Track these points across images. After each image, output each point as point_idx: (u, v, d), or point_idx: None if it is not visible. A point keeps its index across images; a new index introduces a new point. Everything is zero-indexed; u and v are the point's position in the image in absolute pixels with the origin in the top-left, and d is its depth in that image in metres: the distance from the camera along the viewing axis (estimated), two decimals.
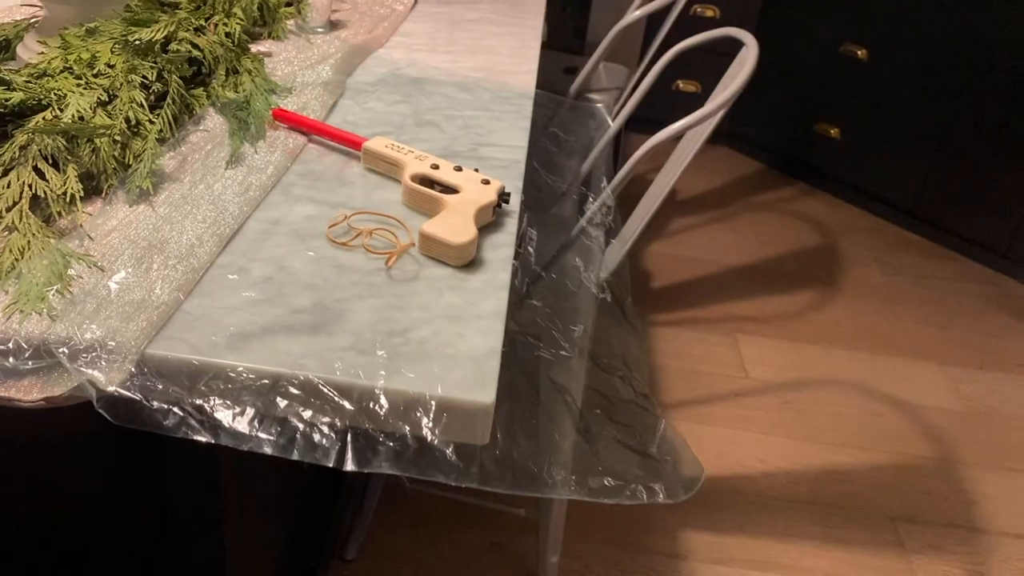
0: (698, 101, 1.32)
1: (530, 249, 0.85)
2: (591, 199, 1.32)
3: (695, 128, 1.10)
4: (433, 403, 0.61)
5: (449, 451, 0.57)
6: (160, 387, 0.57)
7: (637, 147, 1.50)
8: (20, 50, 0.98)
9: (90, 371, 0.57)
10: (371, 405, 0.60)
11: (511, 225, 0.86)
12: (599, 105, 1.30)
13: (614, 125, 1.40)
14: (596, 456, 0.66)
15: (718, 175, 3.36)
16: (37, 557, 0.75)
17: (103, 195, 0.78)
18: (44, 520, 0.72)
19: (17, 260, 0.66)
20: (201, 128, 0.94)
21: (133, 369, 0.58)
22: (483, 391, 0.62)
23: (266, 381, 0.60)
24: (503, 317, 0.72)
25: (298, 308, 0.69)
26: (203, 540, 0.75)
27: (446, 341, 0.67)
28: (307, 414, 0.58)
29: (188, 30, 0.96)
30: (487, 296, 0.74)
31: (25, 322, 0.63)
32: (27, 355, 0.59)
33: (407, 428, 0.59)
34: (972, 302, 2.65)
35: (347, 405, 0.59)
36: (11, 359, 0.60)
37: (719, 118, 1.12)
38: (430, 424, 0.59)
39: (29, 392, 0.60)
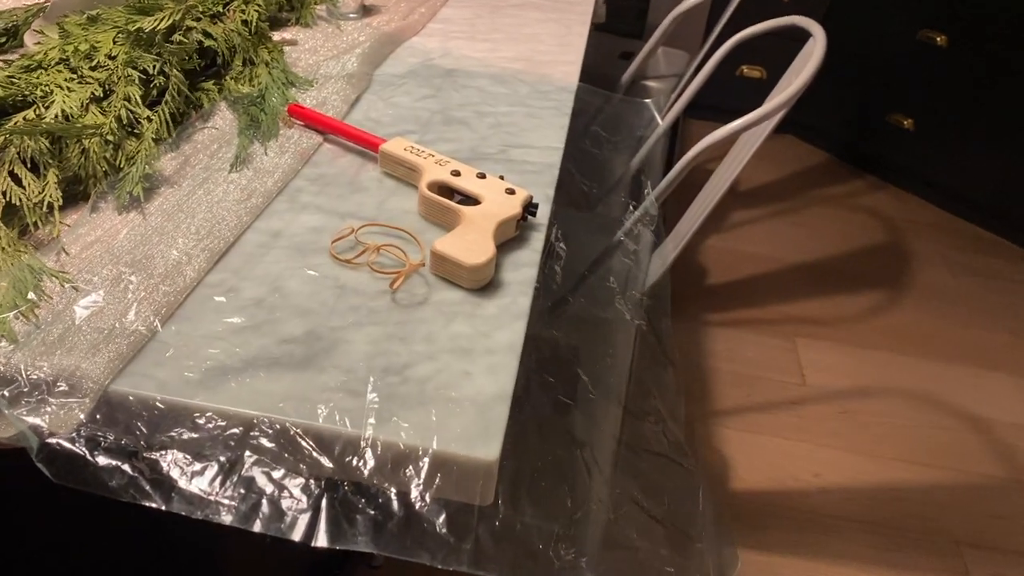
0: (763, 88, 1.21)
1: (556, 268, 0.76)
2: (631, 207, 1.23)
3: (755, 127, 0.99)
4: (426, 460, 0.53)
5: (440, 521, 0.49)
6: (112, 437, 0.50)
7: (696, 134, 1.40)
8: (28, 37, 0.92)
9: (32, 418, 0.50)
10: (354, 460, 0.53)
11: (537, 241, 0.78)
12: (648, 100, 1.20)
13: (666, 120, 1.30)
14: (617, 527, 0.57)
15: (781, 165, 3.22)
16: None
17: (89, 202, 0.72)
18: None
19: None
20: (209, 125, 0.87)
21: (83, 417, 0.51)
22: (486, 446, 0.54)
23: (236, 430, 0.53)
24: (518, 353, 0.63)
25: (287, 337, 0.62)
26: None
27: (449, 381, 0.60)
28: (277, 474, 0.50)
29: (200, 18, 0.89)
30: (502, 326, 0.66)
31: None
32: None
33: (393, 489, 0.51)
34: None
35: (325, 462, 0.52)
36: None
37: (780, 117, 1.02)
38: (420, 484, 0.52)
39: None
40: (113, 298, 0.62)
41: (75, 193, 0.71)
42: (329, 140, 0.89)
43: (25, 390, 0.52)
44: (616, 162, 1.29)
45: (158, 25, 0.81)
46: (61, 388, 0.53)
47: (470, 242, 0.71)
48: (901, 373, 2.20)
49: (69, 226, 0.69)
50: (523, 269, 0.73)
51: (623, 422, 0.71)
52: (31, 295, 0.59)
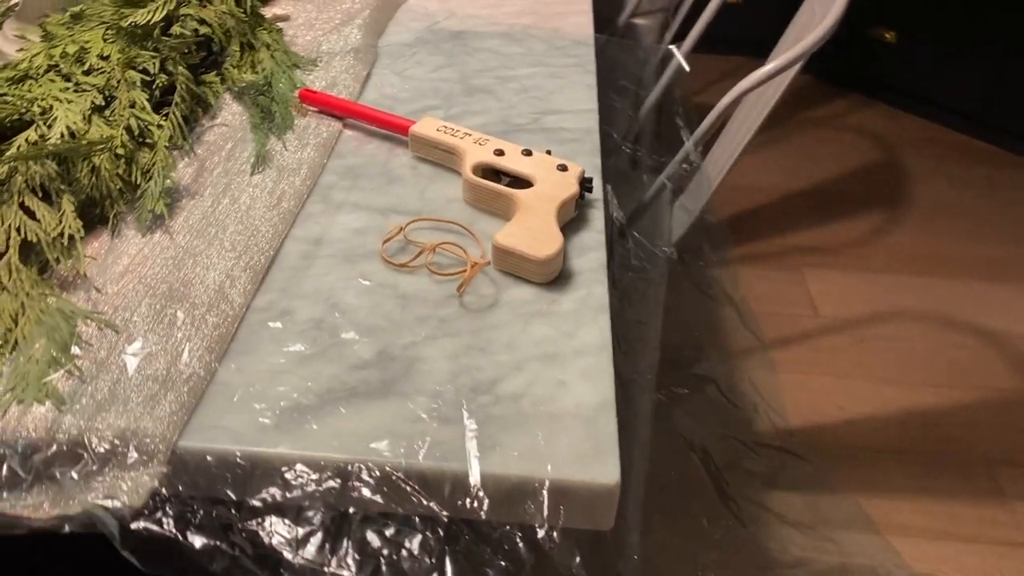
0: (757, 11, 1.14)
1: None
2: (640, 153, 1.16)
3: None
4: (544, 492, 0.48)
5: (576, 564, 0.44)
6: (201, 510, 0.44)
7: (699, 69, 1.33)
8: (3, 42, 0.83)
9: (108, 502, 0.44)
10: (467, 501, 0.47)
11: (597, 220, 0.71)
12: (672, 47, 1.13)
13: (673, 63, 1.23)
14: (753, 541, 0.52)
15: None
16: None
17: (109, 225, 0.65)
18: None
19: (10, 330, 0.53)
20: (218, 122, 0.79)
21: (156, 484, 0.45)
22: (604, 467, 0.49)
23: (333, 483, 0.47)
24: (610, 352, 0.58)
25: (358, 362, 0.56)
26: None
27: (544, 394, 0.54)
28: (390, 531, 0.45)
29: (190, 3, 0.80)
30: (584, 322, 0.60)
31: (27, 415, 0.50)
32: (28, 470, 0.46)
33: (515, 528, 0.45)
34: None
35: (438, 508, 0.46)
36: (8, 467, 0.48)
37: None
38: (544, 522, 0.46)
39: (38, 508, 0.47)
40: (160, 338, 0.55)
41: (91, 217, 0.64)
42: (349, 125, 0.82)
43: (94, 468, 0.45)
44: (621, 110, 1.22)
45: (153, 17, 0.73)
46: (126, 454, 0.47)
47: (534, 231, 0.65)
48: (912, 294, 2.16)
49: (95, 259, 0.61)
50: (589, 254, 0.67)
51: (718, 406, 0.66)
52: (74, 348, 0.52)
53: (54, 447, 0.46)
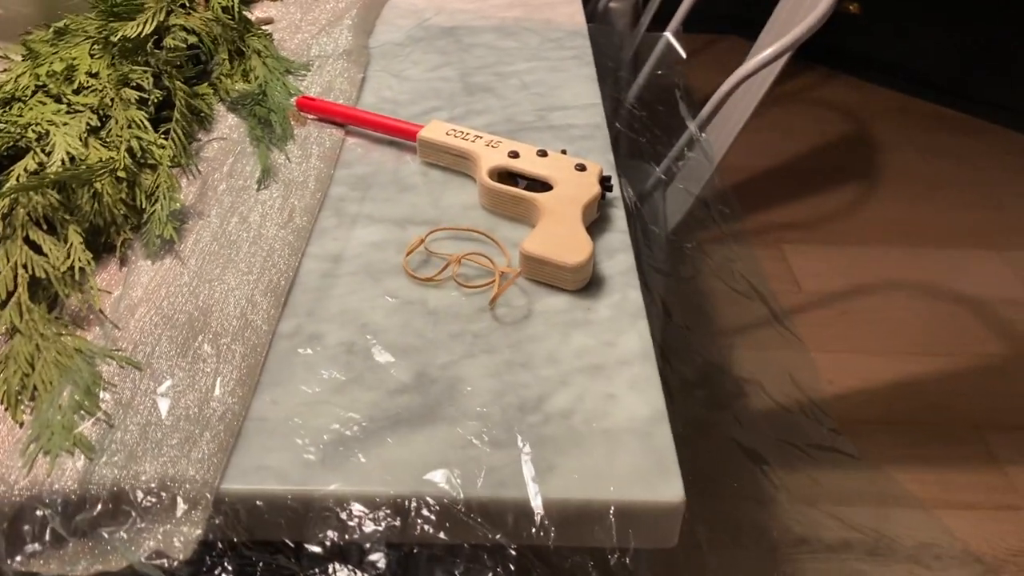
0: None
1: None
2: (643, 140, 1.15)
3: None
4: (611, 516, 0.46)
5: None
6: (260, 561, 0.42)
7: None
8: None
9: (156, 558, 0.41)
10: (533, 531, 0.45)
11: (619, 219, 0.69)
12: (666, 33, 1.11)
13: (651, 61, 1.21)
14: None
15: (728, 68, 3.14)
16: None
17: (117, 254, 0.61)
18: None
19: (27, 375, 0.50)
20: (215, 136, 0.76)
21: (202, 533, 0.42)
22: (667, 484, 0.47)
23: (393, 521, 0.44)
24: (654, 359, 0.56)
25: (398, 386, 0.53)
26: None
27: (595, 409, 0.52)
28: (459, 570, 0.42)
29: (172, 10, 0.77)
30: (623, 330, 0.58)
31: (56, 468, 0.47)
32: (71, 531, 0.43)
33: (588, 558, 0.44)
34: (1021, 177, 2.47)
35: (504, 540, 0.44)
36: (43, 522, 0.45)
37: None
38: (615, 548, 0.44)
39: (75, 563, 0.44)
40: (187, 374, 0.52)
41: (96, 246, 0.61)
42: (351, 132, 0.79)
43: (141, 526, 0.43)
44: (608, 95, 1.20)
45: (144, 30, 0.69)
46: (168, 503, 0.44)
47: (561, 237, 0.63)
48: (891, 265, 2.18)
49: (108, 292, 0.58)
50: (618, 256, 0.65)
51: (760, 401, 0.65)
52: (100, 392, 0.49)
53: (99, 506, 0.43)
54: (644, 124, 1.21)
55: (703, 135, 0.95)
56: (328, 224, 0.67)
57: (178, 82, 0.68)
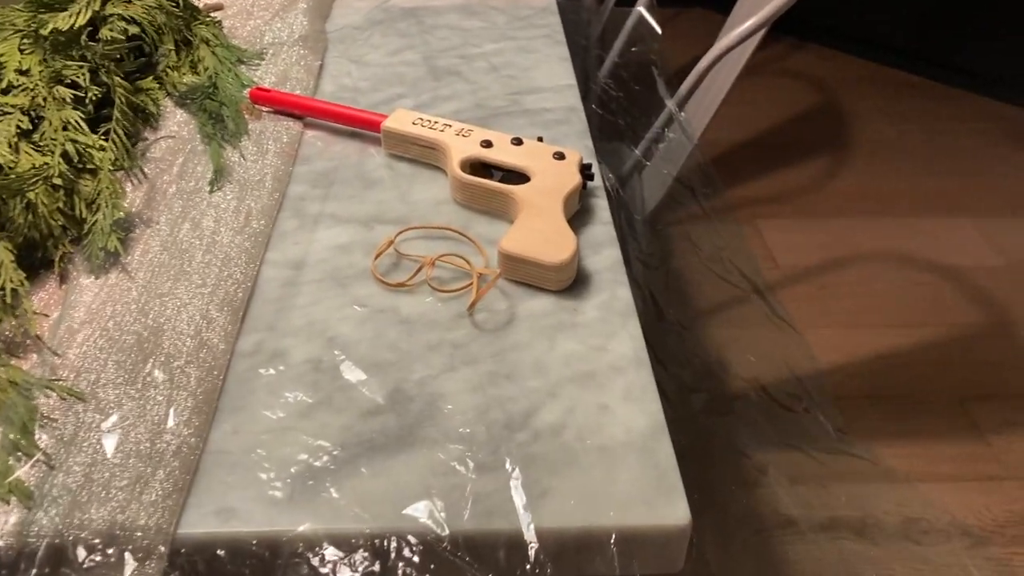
0: None
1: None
2: (621, 122, 1.10)
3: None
4: (612, 544, 0.42)
5: None
6: None
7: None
8: None
9: None
10: (527, 567, 0.41)
11: (602, 210, 0.65)
12: (639, 8, 1.06)
13: (622, 37, 1.16)
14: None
15: (694, 42, 3.09)
16: None
17: (55, 271, 0.56)
18: None
19: None
20: (162, 134, 0.70)
21: None
22: (672, 505, 0.43)
23: (372, 566, 0.40)
24: (648, 364, 0.51)
25: (372, 407, 0.48)
26: None
27: (588, 423, 0.48)
28: None
29: (115, 1, 0.71)
30: (614, 332, 0.54)
31: None
32: None
33: None
34: (990, 142, 2.45)
35: None
36: None
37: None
38: (617, 572, 0.40)
39: None
40: (137, 404, 0.47)
41: (32, 263, 0.55)
42: (310, 125, 0.74)
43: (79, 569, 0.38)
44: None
45: (77, 21, 0.63)
46: (116, 557, 0.39)
47: (543, 233, 0.58)
48: (866, 236, 2.16)
49: (46, 316, 0.53)
50: (604, 251, 0.60)
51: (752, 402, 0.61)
52: (38, 429, 0.43)
53: (34, 570, 0.38)
54: (619, 103, 1.16)
55: (682, 113, 0.90)
56: (288, 227, 0.62)
57: (117, 77, 0.63)
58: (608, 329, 0.54)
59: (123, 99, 0.62)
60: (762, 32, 0.93)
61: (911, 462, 1.65)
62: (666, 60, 1.26)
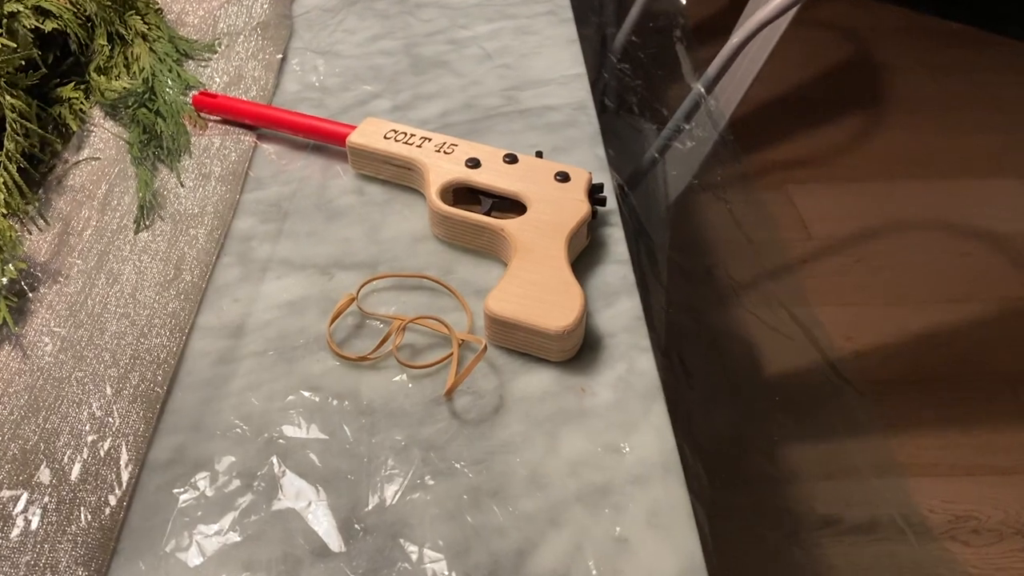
0: None
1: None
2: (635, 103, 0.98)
3: None
4: None
5: None
6: None
7: None
8: None
9: None
10: None
11: (616, 244, 0.52)
12: None
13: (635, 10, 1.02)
14: None
15: (719, 12, 2.92)
16: None
17: None
18: None
19: None
20: (85, 156, 0.58)
21: None
22: None
23: None
24: (680, 470, 0.39)
25: (317, 547, 0.37)
26: None
27: (602, 567, 0.36)
28: None
29: None
30: (634, 423, 0.42)
31: None
32: None
33: None
34: None
35: None
36: None
37: None
38: None
39: None
40: (14, 550, 0.36)
41: None
42: (264, 136, 0.61)
43: None
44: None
45: None
46: None
47: (541, 287, 0.45)
48: (905, 201, 2.00)
49: None
50: (620, 303, 0.48)
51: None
52: None
53: None
54: (634, 84, 1.03)
55: (711, 98, 0.77)
56: (228, 277, 0.50)
57: (10, 96, 0.50)
58: (626, 418, 0.42)
59: (17, 124, 0.49)
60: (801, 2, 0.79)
61: (958, 453, 1.52)
62: (688, 32, 1.12)
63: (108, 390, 0.43)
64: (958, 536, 1.42)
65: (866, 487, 1.48)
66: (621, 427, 0.42)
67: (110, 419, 0.41)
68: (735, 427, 1.38)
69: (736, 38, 0.75)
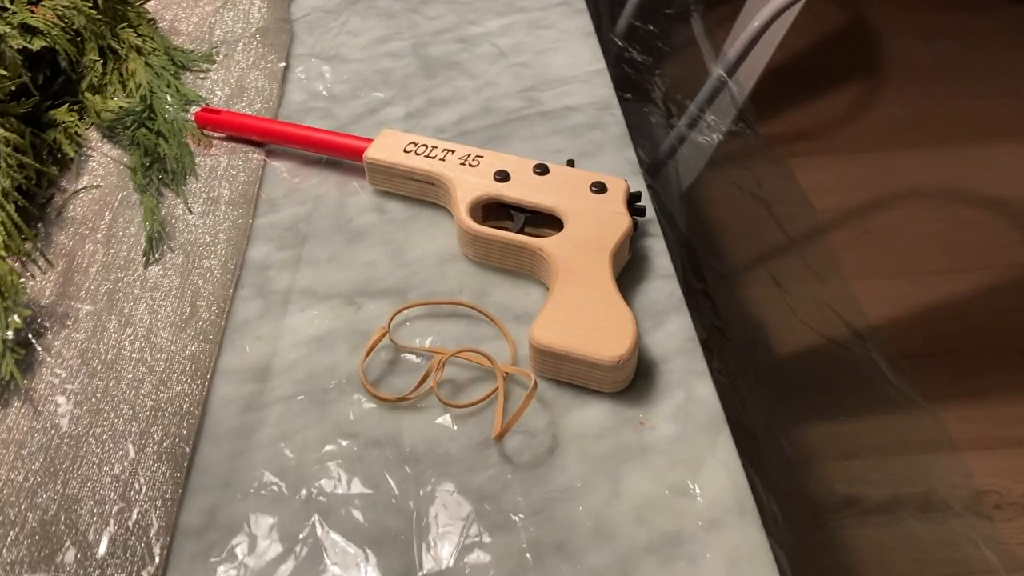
0: None
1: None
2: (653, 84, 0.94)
3: None
4: None
5: None
6: None
7: None
8: None
9: None
10: None
11: (659, 258, 0.49)
12: None
13: None
14: None
15: None
16: None
17: None
18: None
19: None
20: (84, 184, 0.54)
21: None
22: None
23: None
24: (754, 509, 0.36)
25: None
26: None
27: None
28: None
29: (7, 8, 0.54)
30: (700, 459, 0.39)
31: None
32: None
33: None
34: None
35: None
36: None
37: None
38: None
39: None
40: None
41: None
42: (273, 152, 0.58)
43: None
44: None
45: None
46: None
47: (589, 313, 0.42)
48: (909, 170, 1.98)
49: None
50: (670, 322, 0.45)
51: None
52: None
53: None
54: (639, 66, 0.99)
55: (732, 83, 0.74)
56: (249, 312, 0.47)
57: (2, 128, 0.46)
58: (691, 454, 0.39)
59: (10, 158, 0.46)
60: None
61: (977, 426, 1.50)
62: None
63: (130, 448, 0.39)
64: (981, 511, 1.41)
65: (885, 466, 1.46)
66: (686, 464, 0.39)
67: (135, 482, 0.38)
68: (746, 409, 1.35)
69: (758, 21, 0.71)
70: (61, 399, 0.41)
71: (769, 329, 1.54)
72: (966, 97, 2.16)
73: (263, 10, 0.69)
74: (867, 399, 1.41)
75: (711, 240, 1.61)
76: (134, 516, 0.37)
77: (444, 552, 0.36)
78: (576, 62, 0.64)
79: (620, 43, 0.99)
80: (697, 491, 0.37)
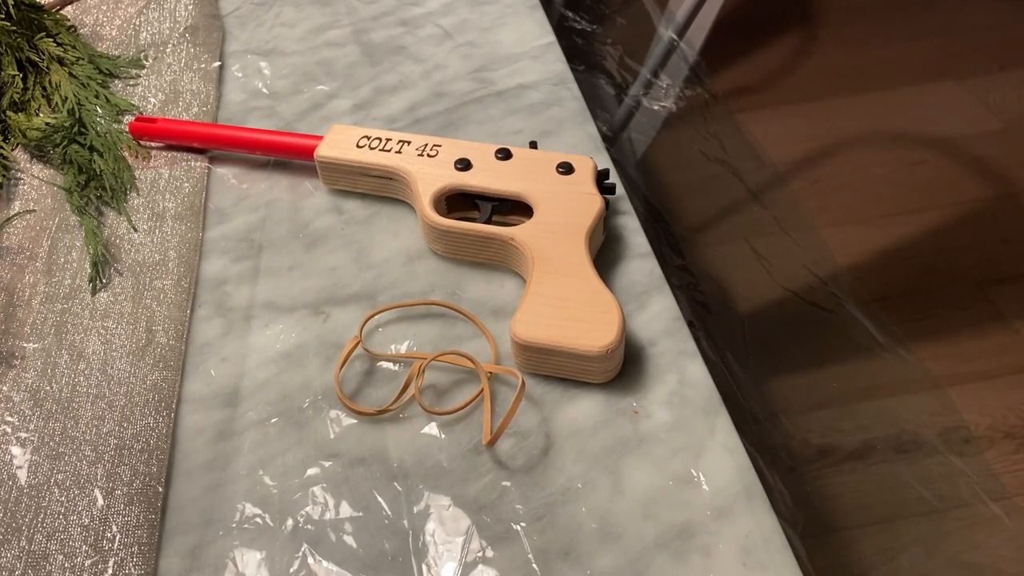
0: None
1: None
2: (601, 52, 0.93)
3: None
4: None
5: None
6: None
7: None
8: None
9: None
10: None
11: (634, 235, 0.47)
12: None
13: None
14: None
15: None
16: None
17: None
18: None
19: None
20: (17, 210, 0.51)
21: None
22: None
23: None
24: (762, 493, 0.35)
25: None
26: None
27: None
28: None
29: None
30: (701, 445, 0.37)
31: None
32: None
33: None
34: None
35: None
36: None
37: None
38: None
39: None
40: None
41: None
42: (216, 158, 0.54)
43: None
44: None
45: None
46: None
47: (571, 302, 0.40)
48: (852, 116, 1.99)
49: None
50: (651, 302, 0.43)
51: None
52: None
53: None
54: (592, 34, 0.97)
55: (682, 43, 0.72)
56: (209, 333, 0.44)
57: None
58: (691, 440, 0.37)
59: None
60: None
61: (938, 364, 1.52)
62: None
63: (97, 494, 0.37)
64: (951, 448, 1.42)
65: (856, 412, 1.47)
66: (688, 451, 0.37)
67: (107, 530, 0.35)
68: (714, 370, 1.34)
69: None
70: (16, 449, 0.38)
71: (733, 286, 1.54)
72: (903, 39, 2.17)
73: (190, 7, 0.65)
74: (832, 347, 1.42)
75: (670, 203, 1.60)
76: (110, 568, 0.34)
77: (446, 571, 0.34)
78: (525, 37, 0.62)
79: (564, 11, 0.97)
80: (702, 478, 0.36)
